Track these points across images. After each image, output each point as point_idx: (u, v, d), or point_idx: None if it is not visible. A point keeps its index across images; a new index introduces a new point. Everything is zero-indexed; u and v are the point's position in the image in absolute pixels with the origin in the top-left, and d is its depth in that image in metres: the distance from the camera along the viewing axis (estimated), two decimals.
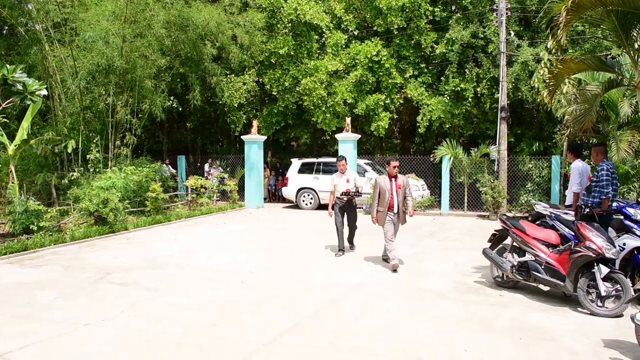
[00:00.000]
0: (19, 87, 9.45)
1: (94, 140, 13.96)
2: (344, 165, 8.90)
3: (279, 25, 17.42)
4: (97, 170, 13.65)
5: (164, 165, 18.92)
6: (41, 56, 14.41)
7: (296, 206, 17.50)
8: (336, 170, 9.41)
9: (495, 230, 7.26)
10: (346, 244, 9.17)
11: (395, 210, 7.86)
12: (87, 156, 13.74)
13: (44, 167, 14.12)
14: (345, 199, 8.79)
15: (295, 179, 17.43)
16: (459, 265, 8.20)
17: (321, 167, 17.04)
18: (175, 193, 17.37)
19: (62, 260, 8.73)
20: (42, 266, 8.26)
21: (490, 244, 7.20)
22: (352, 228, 9.22)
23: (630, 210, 6.58)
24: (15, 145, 11.77)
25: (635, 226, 6.37)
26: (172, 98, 17.01)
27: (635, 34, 7.53)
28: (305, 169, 17.36)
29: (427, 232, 11.96)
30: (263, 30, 17.63)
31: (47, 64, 14.45)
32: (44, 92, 10.29)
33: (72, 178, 13.25)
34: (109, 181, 12.23)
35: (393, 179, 7.81)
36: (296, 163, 17.75)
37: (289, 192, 17.66)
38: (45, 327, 5.24)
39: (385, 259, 8.32)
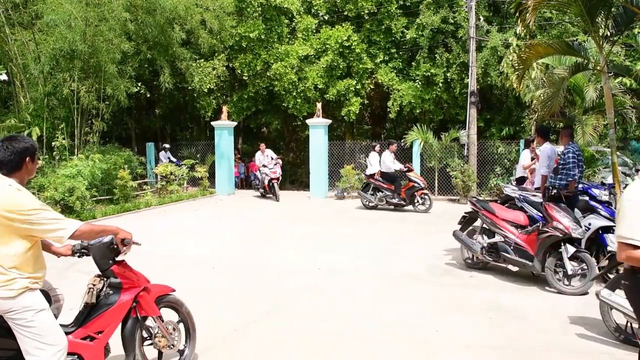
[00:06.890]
0: None
1: (59, 127, 13.53)
2: None
3: (248, 9, 17.13)
4: (63, 158, 13.26)
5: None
6: (0, 40, 13.83)
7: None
8: None
9: (465, 213, 7.36)
10: None
11: None
12: (52, 144, 13.34)
13: None
14: None
15: None
16: (430, 248, 8.31)
17: None
18: (145, 181, 17.03)
19: None
20: None
21: (460, 226, 7.31)
22: None
23: (595, 192, 6.79)
24: None
25: (600, 206, 6.57)
26: (139, 84, 16.57)
27: (599, 20, 7.67)
28: None
29: (399, 216, 12.06)
30: (233, 15, 17.33)
31: (8, 48, 13.87)
32: (4, 77, 9.93)
33: (37, 166, 12.87)
34: (75, 169, 11.92)
35: None
36: None
37: None
38: None
39: None
